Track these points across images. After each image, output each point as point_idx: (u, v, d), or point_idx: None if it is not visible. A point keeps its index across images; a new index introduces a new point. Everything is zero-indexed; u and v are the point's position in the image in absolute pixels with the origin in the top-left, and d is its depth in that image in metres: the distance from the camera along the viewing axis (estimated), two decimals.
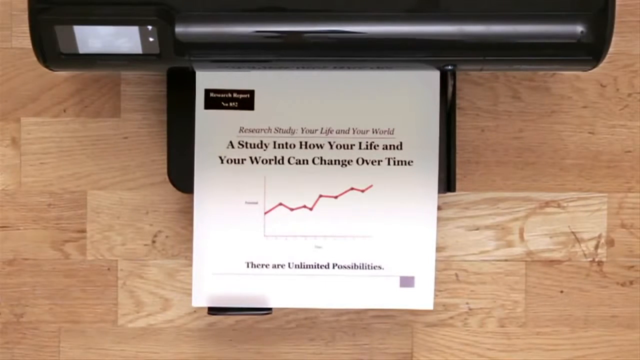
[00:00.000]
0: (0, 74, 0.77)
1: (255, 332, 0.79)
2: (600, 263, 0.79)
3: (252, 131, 0.74)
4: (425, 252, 0.74)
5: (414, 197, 0.74)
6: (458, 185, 0.75)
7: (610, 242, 0.78)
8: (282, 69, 0.72)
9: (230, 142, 0.74)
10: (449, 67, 0.68)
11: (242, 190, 0.74)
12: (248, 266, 0.74)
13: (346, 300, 0.75)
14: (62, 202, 0.78)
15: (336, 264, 0.75)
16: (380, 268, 0.74)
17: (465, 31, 0.63)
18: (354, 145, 0.74)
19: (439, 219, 0.75)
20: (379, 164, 0.74)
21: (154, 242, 0.78)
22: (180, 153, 0.74)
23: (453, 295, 0.79)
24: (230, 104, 0.73)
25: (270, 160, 0.74)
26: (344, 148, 0.74)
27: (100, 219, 0.78)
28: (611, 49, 0.64)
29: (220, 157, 0.74)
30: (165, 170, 0.75)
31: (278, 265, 0.74)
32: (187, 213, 0.77)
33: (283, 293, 0.75)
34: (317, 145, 0.74)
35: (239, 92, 0.73)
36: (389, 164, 0.74)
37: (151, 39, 0.63)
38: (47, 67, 0.65)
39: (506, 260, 0.79)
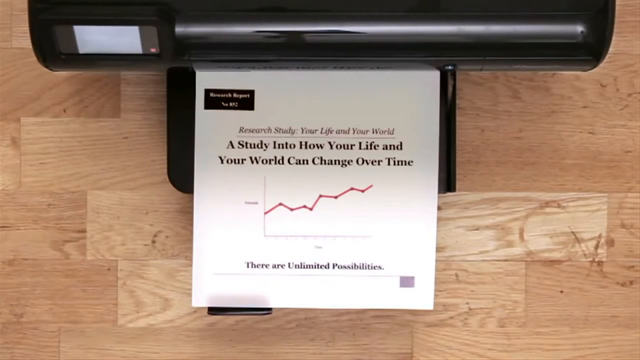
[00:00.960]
0: (0, 74, 0.77)
1: (255, 332, 0.79)
2: (600, 263, 0.79)
3: (252, 131, 0.74)
4: (425, 252, 0.74)
5: (414, 197, 0.74)
6: (458, 185, 0.75)
7: (610, 242, 0.78)
8: (282, 69, 0.72)
9: (230, 142, 0.74)
10: (449, 67, 0.68)
11: (242, 190, 0.74)
12: (248, 266, 0.74)
13: (346, 300, 0.75)
14: (62, 202, 0.78)
15: (336, 264, 0.75)
16: (380, 268, 0.74)
17: (465, 31, 0.63)
18: (354, 145, 0.74)
19: (439, 219, 0.75)
20: (379, 164, 0.74)
21: (154, 242, 0.78)
22: (180, 153, 0.74)
23: (453, 295, 0.79)
24: (230, 104, 0.73)
25: (270, 160, 0.74)
26: (344, 148, 0.74)
27: (100, 219, 0.78)
28: (611, 49, 0.64)
29: (220, 157, 0.74)
30: (165, 170, 0.75)
31: (278, 265, 0.74)
32: (187, 213, 0.77)
33: (283, 293, 0.75)
34: (317, 145, 0.74)
35: (239, 92, 0.73)
36: (389, 164, 0.74)
37: (151, 39, 0.63)
38: (47, 67, 0.65)
39: (506, 260, 0.79)
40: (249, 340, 0.79)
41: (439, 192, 0.74)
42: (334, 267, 0.75)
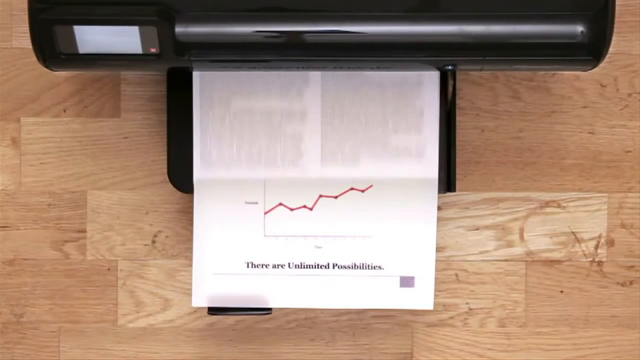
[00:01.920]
0: (0, 74, 0.77)
1: (255, 332, 0.79)
2: (600, 263, 0.79)
3: None
4: (425, 252, 0.74)
5: (414, 197, 0.74)
6: (458, 185, 0.75)
7: (610, 242, 0.78)
8: (282, 69, 0.72)
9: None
10: (449, 67, 0.68)
11: (242, 190, 0.74)
12: (248, 266, 0.74)
13: (346, 300, 0.75)
14: (62, 202, 0.78)
15: (336, 264, 0.75)
16: (380, 268, 0.74)
17: (465, 31, 0.63)
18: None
19: (439, 219, 0.75)
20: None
21: (154, 242, 0.78)
22: (180, 153, 0.74)
23: (453, 295, 0.79)
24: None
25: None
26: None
27: (100, 219, 0.78)
28: (611, 49, 0.64)
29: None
30: (165, 170, 0.75)
31: (278, 265, 0.74)
32: (187, 213, 0.77)
33: (283, 293, 0.75)
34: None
35: None
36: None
37: (151, 39, 0.63)
38: (47, 67, 0.65)
39: (506, 260, 0.79)
40: (249, 340, 0.79)
41: (439, 192, 0.74)
42: (334, 267, 0.75)
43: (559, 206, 0.78)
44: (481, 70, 0.71)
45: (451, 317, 0.79)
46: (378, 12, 0.63)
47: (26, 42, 0.70)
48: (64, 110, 0.77)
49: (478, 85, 0.78)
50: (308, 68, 0.71)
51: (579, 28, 0.63)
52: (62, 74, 0.77)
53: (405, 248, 0.74)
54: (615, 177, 0.78)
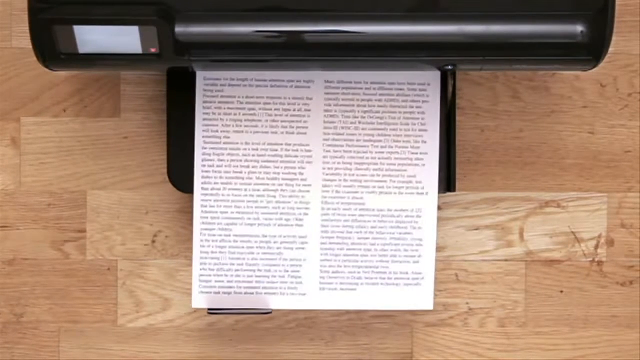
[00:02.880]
0: (0, 74, 0.77)
1: (255, 332, 0.79)
2: (600, 263, 0.79)
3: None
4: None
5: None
6: (458, 185, 0.75)
7: (610, 242, 0.78)
8: (282, 69, 0.72)
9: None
10: (449, 67, 0.68)
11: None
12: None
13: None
14: (62, 202, 0.78)
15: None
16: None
17: (465, 31, 0.63)
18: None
19: (439, 219, 0.75)
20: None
21: (154, 242, 0.78)
22: (180, 153, 0.74)
23: (453, 295, 0.79)
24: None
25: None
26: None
27: (100, 219, 0.78)
28: (611, 49, 0.64)
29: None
30: (165, 170, 0.75)
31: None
32: (187, 213, 0.77)
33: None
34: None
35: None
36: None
37: (151, 39, 0.63)
38: (47, 67, 0.65)
39: (506, 260, 0.79)
40: (249, 340, 0.79)
41: (439, 192, 0.74)
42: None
43: (559, 206, 0.78)
44: (481, 70, 0.71)
45: (451, 317, 0.79)
46: (378, 12, 0.63)
47: (26, 42, 0.70)
48: (64, 110, 0.77)
49: (478, 85, 0.78)
50: (308, 68, 0.71)
51: (579, 28, 0.63)
52: (62, 74, 0.77)
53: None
54: (615, 177, 0.78)
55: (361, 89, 0.73)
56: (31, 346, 0.79)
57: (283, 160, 0.74)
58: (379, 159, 0.74)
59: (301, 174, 0.74)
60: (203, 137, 0.73)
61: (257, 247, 0.74)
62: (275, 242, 0.74)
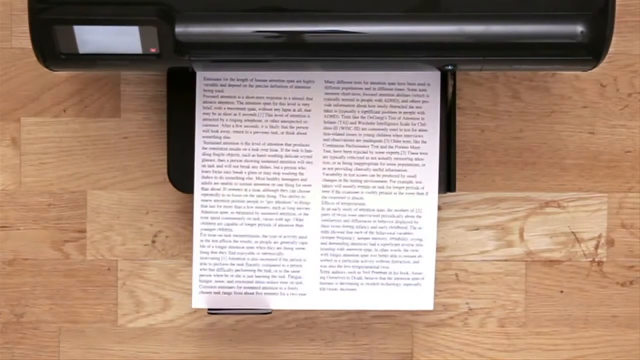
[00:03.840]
0: (0, 74, 0.77)
1: (255, 332, 0.79)
2: (600, 263, 0.79)
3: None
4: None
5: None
6: (458, 185, 0.75)
7: (610, 242, 0.78)
8: (282, 69, 0.72)
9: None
10: (449, 67, 0.68)
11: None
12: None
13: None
14: (62, 202, 0.78)
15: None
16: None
17: (465, 31, 0.63)
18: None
19: (439, 219, 0.75)
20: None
21: (154, 242, 0.78)
22: (180, 153, 0.74)
23: (453, 295, 0.79)
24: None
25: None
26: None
27: (100, 219, 0.78)
28: (611, 49, 0.64)
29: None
30: (165, 170, 0.75)
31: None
32: (187, 213, 0.77)
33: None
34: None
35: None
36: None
37: (151, 39, 0.63)
38: (47, 67, 0.65)
39: (506, 260, 0.79)
40: (249, 340, 0.79)
41: (439, 192, 0.74)
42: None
43: (559, 206, 0.78)
44: (481, 70, 0.71)
45: (451, 317, 0.79)
46: (378, 12, 0.63)
47: (26, 42, 0.70)
48: (64, 110, 0.77)
49: (478, 85, 0.78)
50: (308, 68, 0.71)
51: (579, 28, 0.63)
52: (62, 74, 0.77)
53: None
54: (615, 177, 0.78)
55: (361, 89, 0.73)
56: (31, 346, 0.79)
57: (283, 160, 0.74)
58: (379, 159, 0.74)
59: (301, 174, 0.74)
60: (203, 137, 0.73)
61: (257, 247, 0.74)
62: (275, 242, 0.74)
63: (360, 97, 0.74)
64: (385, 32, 0.63)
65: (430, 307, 0.75)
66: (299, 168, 0.74)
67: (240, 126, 0.74)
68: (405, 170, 0.74)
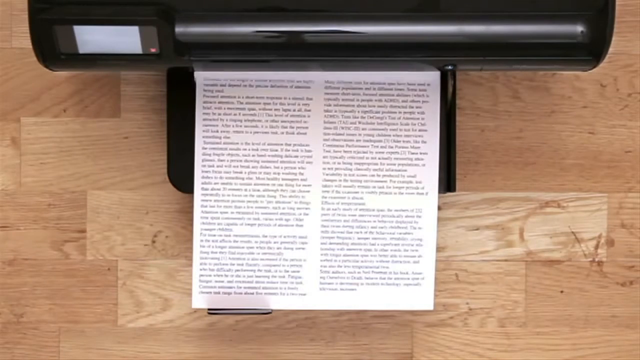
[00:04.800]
0: (0, 74, 0.77)
1: (255, 332, 0.79)
2: (600, 263, 0.79)
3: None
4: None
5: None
6: (458, 185, 0.75)
7: (610, 242, 0.78)
8: (282, 69, 0.72)
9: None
10: (449, 67, 0.68)
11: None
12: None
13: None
14: (62, 202, 0.78)
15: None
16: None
17: (465, 31, 0.63)
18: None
19: (439, 219, 0.75)
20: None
21: (154, 242, 0.78)
22: (180, 153, 0.74)
23: (453, 295, 0.79)
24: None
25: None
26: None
27: (100, 219, 0.78)
28: (611, 49, 0.64)
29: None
30: (165, 170, 0.75)
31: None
32: (187, 213, 0.77)
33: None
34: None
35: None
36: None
37: (151, 39, 0.63)
38: (47, 67, 0.65)
39: (506, 260, 0.79)
40: (249, 340, 0.79)
41: (439, 192, 0.74)
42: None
43: (559, 206, 0.78)
44: (481, 70, 0.71)
45: (451, 317, 0.79)
46: (378, 12, 0.63)
47: (26, 42, 0.70)
48: (64, 110, 0.77)
49: (478, 85, 0.78)
50: (308, 68, 0.71)
51: (579, 28, 0.63)
52: (62, 74, 0.77)
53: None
54: (615, 177, 0.78)
55: (361, 89, 0.73)
56: (31, 346, 0.79)
57: (283, 160, 0.74)
58: (379, 158, 0.74)
59: (301, 174, 0.74)
60: (203, 137, 0.73)
61: (257, 247, 0.74)
62: (275, 242, 0.74)
63: (360, 97, 0.74)
64: (385, 32, 0.63)
65: (430, 307, 0.75)
66: (299, 168, 0.74)
67: (240, 126, 0.74)
68: (405, 170, 0.74)
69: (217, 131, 0.73)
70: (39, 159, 0.78)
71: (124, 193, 0.78)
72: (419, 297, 0.75)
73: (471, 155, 0.78)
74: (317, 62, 0.67)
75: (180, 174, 0.74)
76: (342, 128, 0.74)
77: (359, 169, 0.74)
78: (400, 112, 0.74)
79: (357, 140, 0.74)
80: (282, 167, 0.74)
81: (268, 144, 0.74)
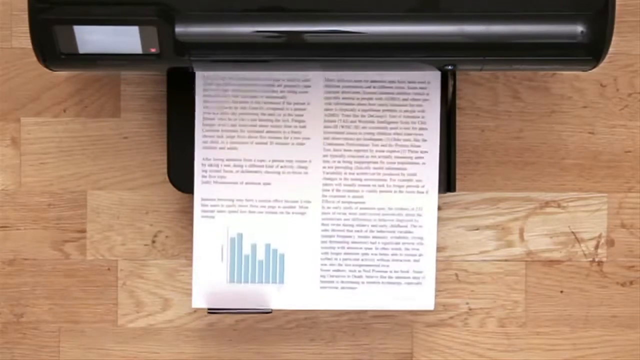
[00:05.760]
0: (0, 74, 0.77)
1: (255, 332, 0.79)
2: (600, 263, 0.79)
3: None
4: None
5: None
6: (458, 185, 0.75)
7: (610, 242, 0.78)
8: (282, 69, 0.72)
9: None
10: (449, 67, 0.68)
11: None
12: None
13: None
14: (62, 202, 0.78)
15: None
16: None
17: (465, 31, 0.63)
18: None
19: (439, 219, 0.75)
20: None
21: (154, 242, 0.78)
22: (180, 153, 0.74)
23: (453, 295, 0.79)
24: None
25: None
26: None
27: (100, 219, 0.78)
28: (611, 49, 0.64)
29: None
30: (165, 170, 0.75)
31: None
32: (187, 213, 0.77)
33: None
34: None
35: None
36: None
37: (151, 39, 0.63)
38: (47, 67, 0.65)
39: (506, 260, 0.79)
40: (249, 340, 0.79)
41: (439, 192, 0.74)
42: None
43: (559, 206, 0.78)
44: (481, 70, 0.71)
45: (451, 317, 0.79)
46: (378, 12, 0.63)
47: (26, 42, 0.70)
48: (64, 110, 0.77)
49: (478, 85, 0.78)
50: (308, 68, 0.71)
51: (579, 28, 0.63)
52: (62, 74, 0.77)
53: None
54: (615, 177, 0.78)
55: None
56: (31, 346, 0.79)
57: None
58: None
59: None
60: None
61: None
62: None
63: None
64: (385, 32, 0.63)
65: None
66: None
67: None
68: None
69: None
70: (39, 159, 0.78)
71: (124, 193, 0.78)
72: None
73: (471, 155, 0.78)
74: (317, 62, 0.67)
75: (180, 174, 0.74)
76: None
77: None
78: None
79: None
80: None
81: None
